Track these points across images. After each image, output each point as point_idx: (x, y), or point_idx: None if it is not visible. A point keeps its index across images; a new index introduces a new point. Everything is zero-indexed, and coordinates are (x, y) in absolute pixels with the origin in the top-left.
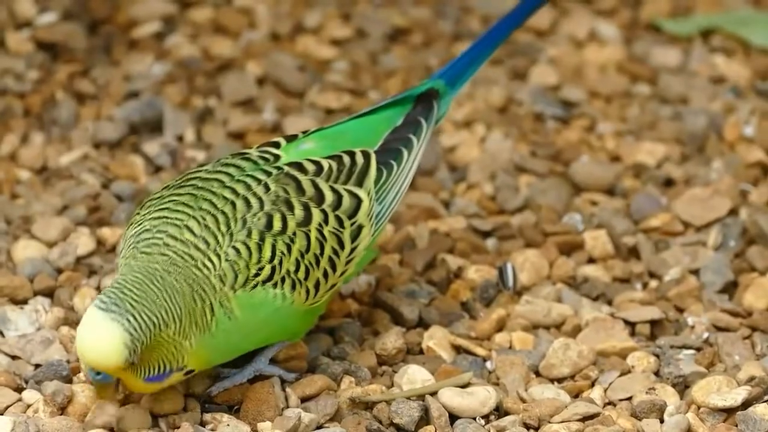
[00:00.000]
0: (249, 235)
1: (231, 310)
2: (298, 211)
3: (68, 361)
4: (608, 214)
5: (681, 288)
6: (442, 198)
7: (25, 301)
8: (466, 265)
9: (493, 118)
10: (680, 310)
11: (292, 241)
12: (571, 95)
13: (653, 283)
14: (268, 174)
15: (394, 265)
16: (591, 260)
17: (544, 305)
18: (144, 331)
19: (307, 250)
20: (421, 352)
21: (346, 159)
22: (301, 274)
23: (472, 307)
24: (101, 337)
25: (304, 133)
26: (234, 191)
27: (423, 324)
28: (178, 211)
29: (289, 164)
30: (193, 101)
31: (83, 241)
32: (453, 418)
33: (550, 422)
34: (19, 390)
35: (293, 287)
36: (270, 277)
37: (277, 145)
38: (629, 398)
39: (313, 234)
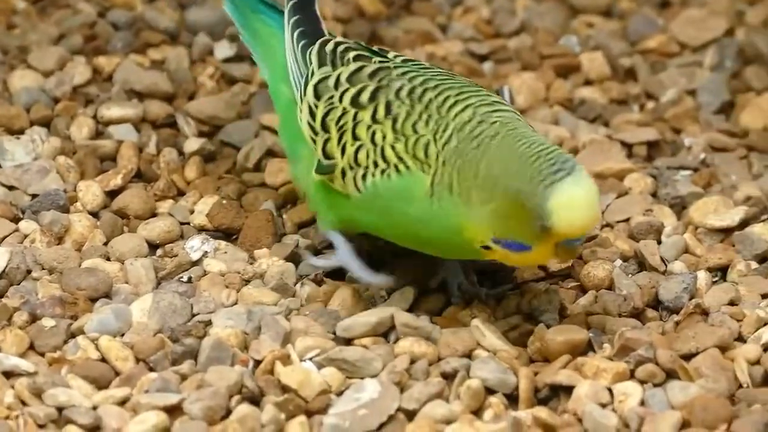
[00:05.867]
0: None
1: None
2: None
3: (65, 191)
4: (605, 36)
5: (678, 109)
6: (438, 22)
7: (21, 131)
8: None
9: None
10: (677, 131)
11: None
12: None
13: (650, 105)
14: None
15: None
16: (588, 82)
17: (541, 128)
18: None
19: None
20: None
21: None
22: None
23: None
24: (595, 196)
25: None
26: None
27: None
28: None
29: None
30: None
31: (80, 70)
32: None
33: None
34: (15, 220)
35: None
36: None
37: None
38: (627, 220)
39: None
